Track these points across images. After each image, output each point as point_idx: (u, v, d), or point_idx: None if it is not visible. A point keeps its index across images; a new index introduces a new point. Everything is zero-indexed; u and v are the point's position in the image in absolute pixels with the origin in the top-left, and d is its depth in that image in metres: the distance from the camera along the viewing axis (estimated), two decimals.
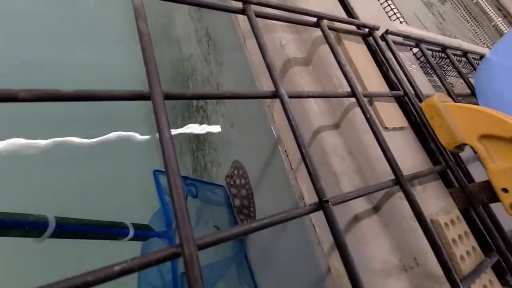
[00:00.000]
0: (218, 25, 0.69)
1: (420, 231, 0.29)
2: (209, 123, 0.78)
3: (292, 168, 0.44)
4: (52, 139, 0.95)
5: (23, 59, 1.02)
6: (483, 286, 0.32)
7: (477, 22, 1.19)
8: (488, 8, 1.22)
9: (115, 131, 1.04)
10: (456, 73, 0.62)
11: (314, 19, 0.37)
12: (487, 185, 0.35)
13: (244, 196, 0.61)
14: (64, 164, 0.95)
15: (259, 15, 0.32)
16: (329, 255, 0.39)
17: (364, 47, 0.46)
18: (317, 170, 0.25)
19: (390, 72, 0.44)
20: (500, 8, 1.40)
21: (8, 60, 1.00)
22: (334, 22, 0.41)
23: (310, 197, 0.41)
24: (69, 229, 0.44)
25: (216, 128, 0.74)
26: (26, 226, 0.40)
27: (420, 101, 0.42)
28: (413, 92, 0.43)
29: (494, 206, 0.37)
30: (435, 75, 0.53)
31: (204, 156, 0.79)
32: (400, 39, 0.52)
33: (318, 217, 0.41)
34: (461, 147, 0.39)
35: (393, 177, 0.31)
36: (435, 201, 0.36)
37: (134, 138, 1.07)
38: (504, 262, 0.34)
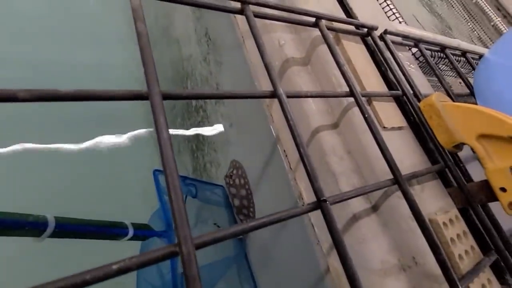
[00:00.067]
0: (218, 25, 0.69)
1: (418, 231, 0.29)
2: (208, 123, 0.78)
3: (291, 168, 0.44)
4: (52, 139, 0.95)
5: (23, 59, 1.02)
6: (482, 285, 0.32)
7: (477, 22, 1.19)
8: (488, 8, 1.22)
9: (115, 131, 1.04)
10: (455, 73, 0.62)
11: (313, 19, 0.38)
12: (486, 185, 0.35)
13: (243, 196, 0.61)
14: (64, 164, 0.95)
15: (257, 15, 0.32)
16: (328, 255, 0.39)
17: (362, 47, 0.46)
18: (315, 170, 0.25)
19: (389, 72, 0.44)
20: (500, 8, 1.41)
21: (8, 60, 1.00)
22: (333, 22, 0.41)
23: (309, 197, 0.41)
24: (69, 229, 0.45)
25: (216, 129, 0.74)
26: (26, 226, 0.40)
27: (419, 100, 0.42)
28: (411, 92, 0.43)
29: (492, 206, 0.37)
30: (434, 75, 0.53)
31: (204, 156, 0.79)
32: (399, 39, 0.52)
33: (317, 217, 0.41)
34: (459, 146, 0.39)
35: (391, 176, 0.31)
36: (434, 200, 0.36)
37: (134, 138, 1.07)
38: (503, 261, 0.34)
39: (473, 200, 0.36)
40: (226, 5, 0.30)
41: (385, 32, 0.48)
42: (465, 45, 0.68)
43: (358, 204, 0.35)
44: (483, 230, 0.36)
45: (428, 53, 0.53)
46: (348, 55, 0.42)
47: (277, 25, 0.45)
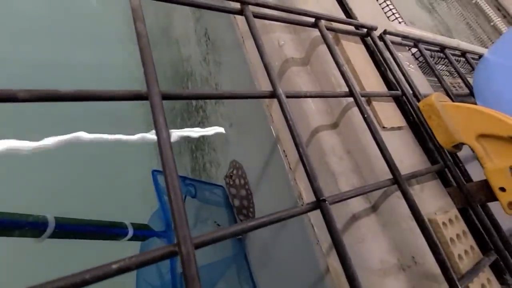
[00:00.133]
0: (217, 26, 0.69)
1: (418, 230, 0.29)
2: (208, 123, 0.78)
3: (290, 168, 0.44)
4: (52, 139, 0.95)
5: (23, 59, 1.03)
6: (481, 285, 0.32)
7: (476, 22, 1.19)
8: (487, 8, 1.22)
9: (114, 131, 1.04)
10: (455, 72, 0.62)
11: (312, 20, 0.38)
12: (485, 184, 0.35)
13: (243, 196, 0.61)
14: (64, 164, 0.95)
15: (257, 16, 0.32)
16: (327, 255, 0.39)
17: (362, 47, 0.46)
18: (314, 170, 0.25)
19: (388, 72, 0.44)
20: (500, 8, 1.41)
21: (8, 60, 1.00)
22: (332, 23, 0.42)
23: (309, 197, 0.41)
24: (69, 229, 0.45)
25: (216, 129, 0.74)
26: (26, 226, 0.40)
27: (418, 100, 0.42)
28: (411, 92, 0.43)
29: (492, 205, 0.37)
30: (434, 75, 0.53)
31: (203, 156, 0.80)
32: (398, 39, 0.52)
33: (316, 217, 0.41)
34: (459, 146, 0.39)
35: (391, 176, 0.31)
36: (433, 200, 0.36)
37: (133, 138, 1.07)
38: (502, 261, 0.34)
39: (472, 200, 0.36)
40: (226, 6, 0.31)
41: (385, 32, 0.48)
42: (464, 45, 0.68)
43: (357, 204, 0.35)
44: (482, 230, 0.36)
45: (427, 53, 0.53)
46: (347, 55, 0.42)
47: (276, 25, 0.45)
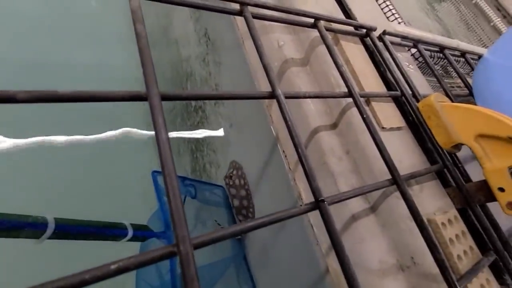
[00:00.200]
0: (217, 26, 0.69)
1: (417, 231, 0.29)
2: (208, 124, 0.78)
3: (290, 168, 0.44)
4: (51, 140, 0.95)
5: (23, 59, 1.03)
6: (480, 285, 0.32)
7: (476, 22, 1.19)
8: (487, 8, 1.22)
9: (114, 131, 1.04)
10: (454, 73, 0.62)
11: (312, 20, 0.38)
12: (484, 185, 0.35)
13: (243, 196, 0.61)
14: (63, 165, 0.95)
15: (256, 16, 0.32)
16: (327, 255, 0.39)
17: (361, 47, 0.46)
18: (313, 170, 0.25)
19: (388, 73, 0.44)
20: (500, 8, 1.41)
21: (8, 60, 1.00)
22: (332, 23, 0.42)
23: (308, 197, 0.41)
24: (68, 230, 0.45)
25: (216, 130, 0.74)
26: (25, 227, 0.40)
27: (418, 101, 0.42)
28: (410, 92, 0.43)
29: (491, 206, 0.37)
30: (433, 76, 0.53)
31: (203, 156, 0.80)
32: (397, 40, 0.52)
33: (316, 217, 0.41)
34: (458, 146, 0.39)
35: (390, 177, 0.31)
36: (433, 200, 0.36)
37: (133, 138, 1.07)
38: (501, 261, 0.34)
39: (471, 200, 0.36)
40: (225, 7, 0.31)
41: (384, 32, 0.48)
42: (464, 45, 0.68)
43: (356, 204, 0.36)
44: (481, 230, 0.36)
45: (427, 53, 0.53)
46: (346, 56, 0.42)
47: (276, 26, 0.46)
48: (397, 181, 0.30)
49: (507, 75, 0.52)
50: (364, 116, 0.33)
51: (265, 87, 0.47)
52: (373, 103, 0.40)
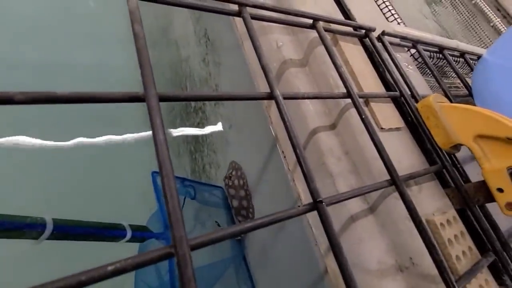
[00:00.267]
0: (217, 26, 0.69)
1: (415, 231, 0.29)
2: (207, 124, 0.78)
3: (289, 169, 0.44)
4: (51, 140, 0.95)
5: (23, 59, 1.03)
6: (479, 286, 0.32)
7: (476, 22, 1.19)
8: (487, 8, 1.22)
9: (114, 132, 1.04)
10: (453, 73, 0.62)
11: (310, 21, 0.38)
12: (483, 185, 0.35)
13: (242, 197, 0.61)
14: (63, 165, 0.95)
15: (254, 17, 0.32)
16: (326, 256, 0.39)
17: (360, 48, 0.46)
18: (311, 171, 0.25)
19: (386, 73, 0.44)
20: (499, 8, 1.40)
21: (8, 60, 1.00)
22: (331, 24, 0.42)
23: (307, 198, 0.41)
24: (67, 231, 0.45)
25: (216, 130, 0.74)
26: (24, 228, 0.40)
27: (417, 101, 0.42)
28: (409, 93, 0.43)
29: (490, 206, 0.37)
30: (432, 76, 0.53)
31: (203, 157, 0.80)
32: (397, 40, 0.52)
33: (315, 218, 0.41)
34: (457, 147, 0.39)
35: (389, 177, 0.31)
36: (431, 201, 0.36)
37: (133, 139, 1.07)
38: (500, 262, 0.34)
39: (470, 201, 0.36)
40: (224, 8, 0.31)
41: (383, 33, 0.48)
42: (463, 45, 0.68)
43: (355, 205, 0.36)
44: (480, 231, 0.36)
45: (426, 54, 0.53)
46: (345, 57, 0.42)
47: (274, 26, 0.46)
48: (396, 182, 0.30)
49: (506, 75, 0.52)
50: (363, 116, 0.33)
51: (265, 88, 0.47)
52: (372, 104, 0.40)
